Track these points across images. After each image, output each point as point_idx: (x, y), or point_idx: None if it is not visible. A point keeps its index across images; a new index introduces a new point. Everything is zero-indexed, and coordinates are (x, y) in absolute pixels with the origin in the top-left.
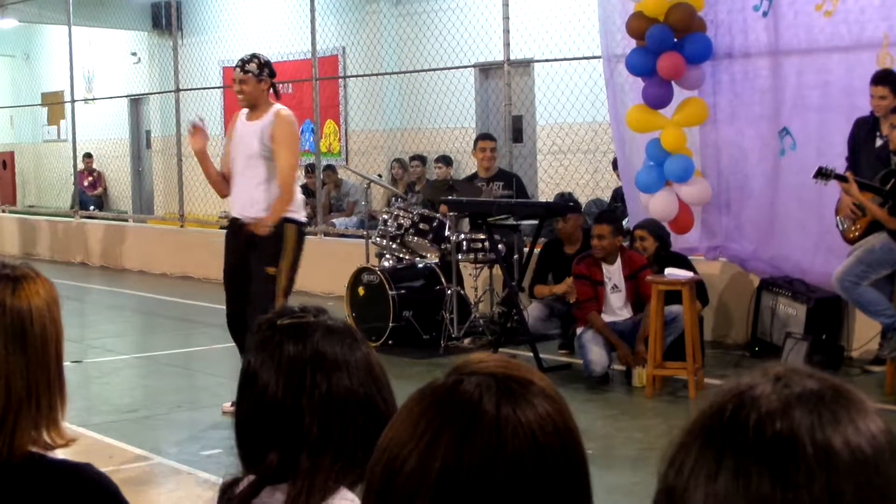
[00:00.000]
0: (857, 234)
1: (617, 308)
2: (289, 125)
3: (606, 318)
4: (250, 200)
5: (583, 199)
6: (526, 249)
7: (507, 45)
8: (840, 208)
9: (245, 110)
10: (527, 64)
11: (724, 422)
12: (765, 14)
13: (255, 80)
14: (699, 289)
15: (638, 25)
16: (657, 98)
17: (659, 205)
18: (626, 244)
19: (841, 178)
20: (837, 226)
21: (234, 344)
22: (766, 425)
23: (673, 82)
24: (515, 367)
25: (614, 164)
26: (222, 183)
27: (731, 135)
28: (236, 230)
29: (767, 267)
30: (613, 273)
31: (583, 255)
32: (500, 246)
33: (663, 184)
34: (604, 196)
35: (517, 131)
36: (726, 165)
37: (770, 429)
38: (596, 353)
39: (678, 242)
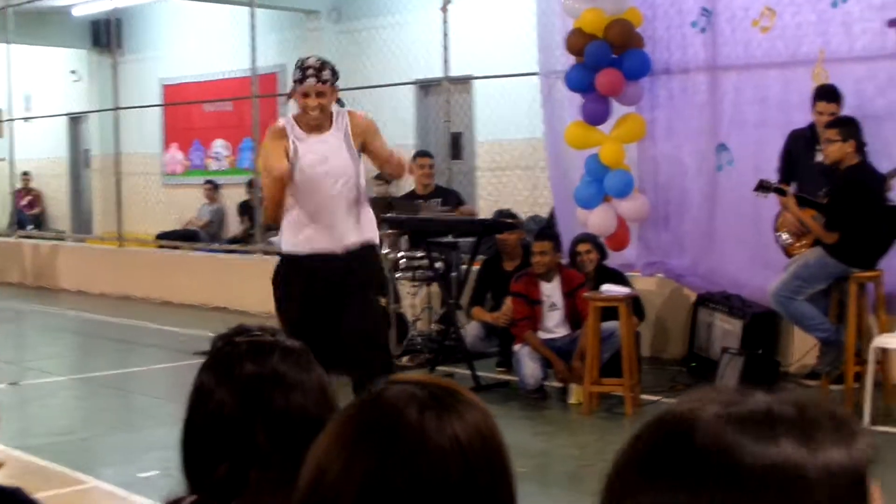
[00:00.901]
0: (802, 250)
1: (554, 325)
2: (370, 120)
3: (544, 335)
4: (351, 227)
5: (521, 216)
6: (464, 267)
7: (446, 61)
8: (782, 223)
9: (288, 123)
10: (466, 80)
11: (657, 431)
12: (703, 30)
13: (332, 89)
14: (635, 304)
15: (577, 42)
16: (595, 114)
17: (598, 220)
18: (563, 262)
19: (781, 192)
20: (778, 241)
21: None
22: (691, 438)
23: (611, 98)
24: (442, 380)
25: None
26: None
27: (668, 150)
28: (315, 268)
29: (704, 282)
30: (552, 291)
31: (521, 273)
32: (438, 264)
33: (602, 199)
34: (542, 212)
35: (456, 148)
36: (664, 181)
37: (697, 443)
38: (529, 368)
39: (615, 259)
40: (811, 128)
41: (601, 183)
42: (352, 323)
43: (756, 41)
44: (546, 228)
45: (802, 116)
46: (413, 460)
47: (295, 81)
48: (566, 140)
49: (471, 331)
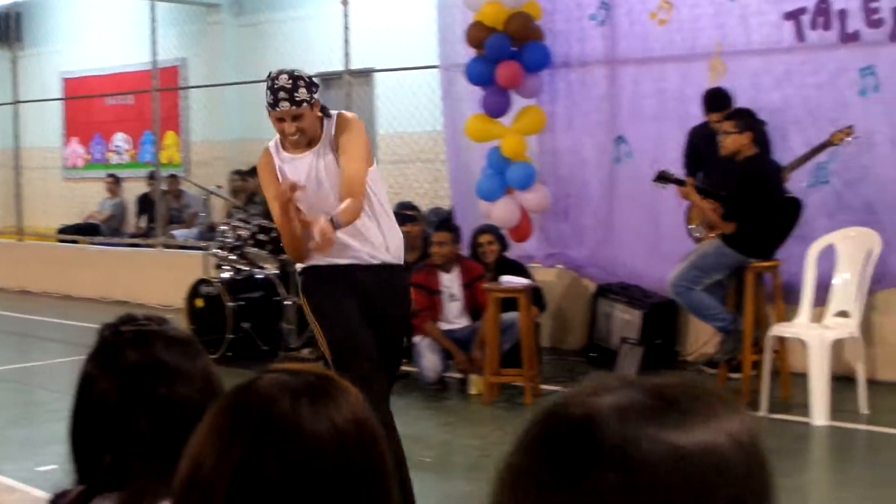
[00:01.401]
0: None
1: (454, 316)
2: (354, 123)
3: (444, 326)
4: (374, 244)
5: (423, 208)
6: None
7: (347, 55)
8: (694, 215)
9: (274, 147)
10: (367, 73)
11: (545, 423)
12: (602, 23)
13: (310, 107)
14: (536, 295)
15: (477, 35)
16: (496, 107)
17: (501, 212)
18: (463, 253)
19: (680, 183)
20: (690, 233)
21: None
22: (580, 429)
23: (511, 91)
24: (317, 368)
25: None
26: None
27: (568, 142)
28: (346, 276)
29: (604, 273)
30: (451, 282)
31: (421, 264)
32: None
33: (504, 191)
34: (443, 205)
35: None
36: (564, 173)
37: (583, 433)
38: (429, 360)
39: (516, 250)
40: (706, 124)
41: (503, 175)
42: None
43: (654, 34)
44: (445, 220)
45: (699, 109)
46: (286, 448)
47: (267, 105)
48: (467, 133)
49: None
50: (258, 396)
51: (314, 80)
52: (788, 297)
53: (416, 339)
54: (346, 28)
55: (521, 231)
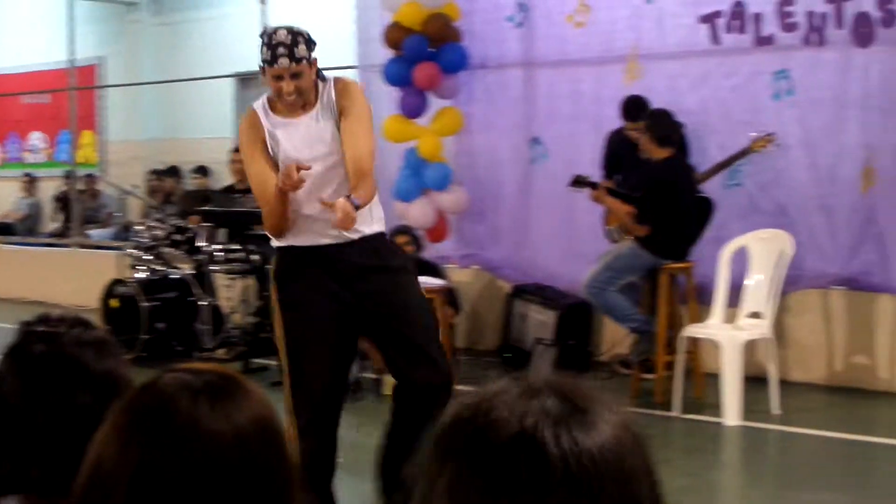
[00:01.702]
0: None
1: None
2: (359, 90)
3: None
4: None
5: None
6: None
7: None
8: (612, 217)
9: (262, 109)
10: None
11: (454, 427)
12: (519, 25)
13: (308, 65)
14: (451, 296)
15: (394, 35)
16: (413, 107)
17: (417, 213)
18: None
19: (594, 186)
20: (608, 235)
21: None
22: (488, 433)
23: (429, 92)
24: (220, 368)
25: None
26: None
27: (485, 144)
28: (329, 262)
29: (519, 274)
30: None
31: None
32: (254, 256)
33: (421, 192)
34: None
35: None
36: (480, 174)
37: (491, 438)
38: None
39: (431, 251)
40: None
41: (420, 176)
42: None
43: (570, 36)
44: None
45: (615, 111)
46: (185, 447)
47: (263, 62)
48: (384, 134)
49: None
50: (158, 395)
51: (312, 37)
52: (702, 299)
53: None
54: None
55: (438, 232)
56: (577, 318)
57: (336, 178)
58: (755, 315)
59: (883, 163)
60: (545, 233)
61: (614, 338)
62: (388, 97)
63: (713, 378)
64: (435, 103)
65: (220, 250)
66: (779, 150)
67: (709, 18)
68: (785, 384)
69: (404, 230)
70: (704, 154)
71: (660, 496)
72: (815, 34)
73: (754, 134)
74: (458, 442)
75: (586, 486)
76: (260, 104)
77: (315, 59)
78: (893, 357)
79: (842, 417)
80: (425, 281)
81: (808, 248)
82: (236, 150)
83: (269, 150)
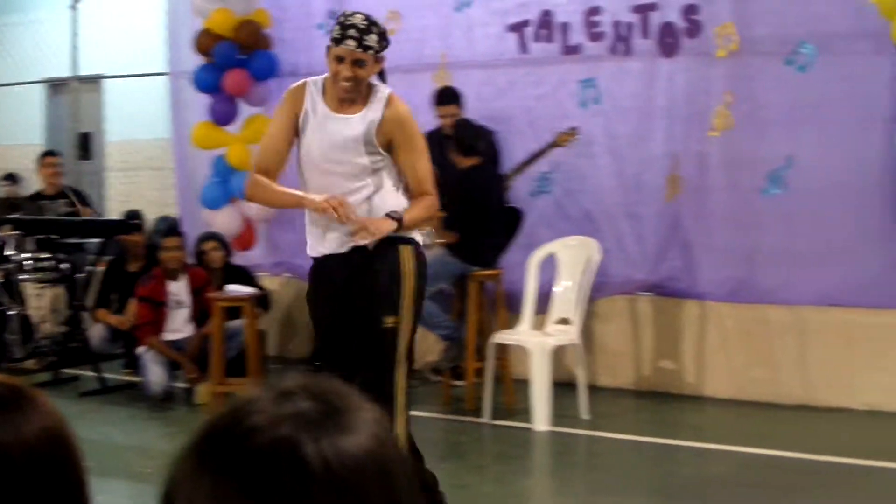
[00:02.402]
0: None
1: (181, 325)
2: (410, 118)
3: (171, 336)
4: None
5: (151, 216)
6: (91, 268)
7: (75, 60)
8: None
9: (315, 87)
10: (96, 80)
11: (210, 432)
12: (329, 32)
13: (374, 59)
14: (262, 298)
15: (205, 42)
16: (223, 114)
17: (224, 221)
18: (189, 261)
19: None
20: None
21: None
22: (244, 439)
23: (239, 99)
24: (8, 379)
25: None
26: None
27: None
28: (331, 270)
29: None
30: (179, 289)
31: (146, 276)
32: (63, 265)
33: (228, 200)
34: (172, 213)
35: (85, 148)
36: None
37: (248, 442)
38: (155, 374)
39: (243, 258)
40: (439, 130)
41: (228, 184)
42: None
43: None
44: (174, 226)
45: (424, 119)
46: None
47: (331, 39)
48: (194, 140)
49: (96, 333)
50: None
51: (388, 35)
52: (511, 305)
53: (140, 350)
54: (75, 34)
55: (245, 240)
56: None
57: (358, 181)
58: (564, 321)
59: (687, 171)
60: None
61: (425, 345)
62: (199, 104)
63: (523, 384)
64: (246, 110)
65: (30, 259)
66: (585, 157)
67: (517, 28)
68: (594, 389)
69: (212, 236)
70: (513, 161)
71: (417, 494)
72: (622, 44)
73: (560, 130)
74: (214, 452)
75: (349, 488)
76: (315, 81)
77: (382, 58)
78: (699, 361)
79: (649, 421)
80: (234, 289)
81: (616, 255)
82: (45, 155)
83: (299, 124)
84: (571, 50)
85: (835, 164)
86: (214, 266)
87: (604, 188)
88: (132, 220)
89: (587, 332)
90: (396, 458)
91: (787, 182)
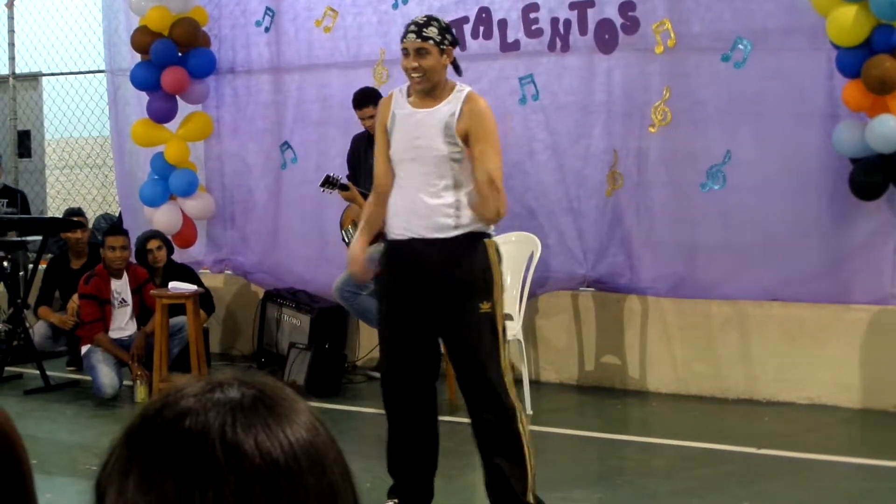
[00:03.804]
0: None
1: (124, 323)
2: (489, 115)
3: (114, 334)
4: (432, 215)
5: (91, 214)
6: (31, 266)
7: (12, 58)
8: (347, 217)
9: (399, 92)
10: (34, 77)
11: (142, 420)
12: (267, 30)
13: (437, 49)
14: (205, 299)
15: (142, 40)
16: (161, 112)
17: (163, 218)
18: (131, 259)
19: (344, 188)
20: (343, 238)
21: None
22: (175, 425)
23: (177, 96)
24: None
25: None
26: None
27: (234, 149)
28: (406, 255)
29: (272, 279)
30: (122, 287)
31: (90, 273)
32: (5, 263)
33: (168, 197)
34: (112, 210)
35: (24, 146)
36: (230, 179)
37: (179, 428)
38: (106, 376)
39: (184, 256)
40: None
41: (167, 181)
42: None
43: (318, 41)
44: (117, 225)
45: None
46: None
47: (401, 40)
48: (132, 138)
49: (38, 330)
50: None
51: (452, 30)
52: None
53: (85, 348)
54: (12, 31)
55: (185, 237)
56: (331, 321)
57: (436, 172)
58: (506, 317)
59: (627, 166)
60: (296, 237)
61: (369, 341)
62: (138, 101)
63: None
64: (184, 108)
65: None
66: (526, 154)
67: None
68: (537, 385)
69: (156, 235)
70: None
71: (353, 485)
72: (560, 40)
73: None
74: (145, 437)
75: (282, 474)
76: (401, 88)
77: (448, 49)
78: (642, 356)
79: (593, 416)
80: (176, 286)
81: (557, 251)
82: None
83: (388, 130)
84: (510, 47)
85: (773, 159)
86: (158, 265)
87: (544, 184)
88: (74, 216)
89: (530, 328)
90: (330, 446)
91: (726, 177)
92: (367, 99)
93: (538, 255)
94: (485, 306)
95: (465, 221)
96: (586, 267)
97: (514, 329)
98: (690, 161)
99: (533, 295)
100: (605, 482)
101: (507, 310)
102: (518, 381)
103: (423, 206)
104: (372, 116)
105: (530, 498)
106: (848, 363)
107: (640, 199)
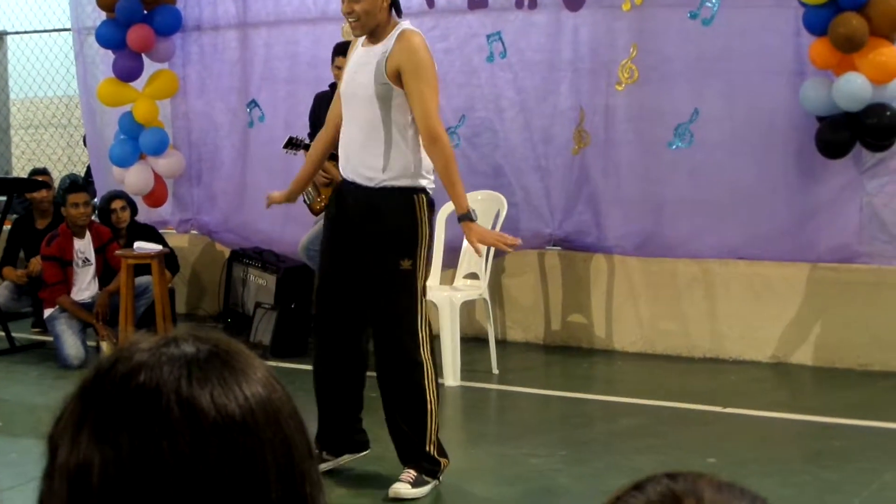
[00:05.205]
0: (322, 204)
1: (86, 283)
2: (423, 51)
3: (77, 295)
4: (365, 158)
5: (57, 174)
6: None
7: None
8: None
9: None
10: None
11: (96, 375)
12: None
13: None
14: (170, 259)
15: None
16: (127, 71)
17: (134, 178)
18: (94, 218)
19: (307, 148)
20: (304, 199)
21: None
22: (129, 379)
23: (143, 55)
24: None
25: (84, 139)
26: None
27: (201, 107)
28: (345, 198)
29: (237, 238)
30: (85, 247)
31: (52, 234)
32: None
33: (138, 157)
34: (78, 171)
35: None
36: (197, 138)
37: (133, 382)
38: (72, 347)
39: (149, 215)
40: (332, 86)
41: (136, 141)
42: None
43: None
44: (77, 182)
45: (329, 73)
46: None
47: None
48: (99, 97)
49: (2, 291)
50: None
51: None
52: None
53: (48, 311)
54: None
55: (156, 197)
56: (297, 281)
57: (360, 115)
58: (472, 276)
59: (594, 124)
60: (262, 196)
61: None
62: (102, 60)
63: (433, 340)
64: (150, 66)
65: None
66: (494, 111)
67: None
68: (504, 344)
69: (120, 195)
70: None
71: (307, 436)
72: None
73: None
74: (98, 391)
75: (241, 431)
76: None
77: None
78: (609, 315)
79: (559, 375)
80: (142, 246)
81: (524, 209)
82: None
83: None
84: (477, 3)
85: (740, 116)
86: (122, 225)
87: (511, 142)
88: (39, 176)
89: (496, 287)
90: (286, 401)
91: (692, 135)
92: (337, 50)
93: (504, 213)
94: (405, 263)
95: (396, 169)
96: (553, 225)
97: (480, 288)
98: (657, 119)
99: (499, 254)
100: (571, 440)
101: (473, 269)
102: (481, 340)
103: (357, 146)
104: (340, 67)
105: (430, 448)
106: (813, 322)
107: (607, 157)
